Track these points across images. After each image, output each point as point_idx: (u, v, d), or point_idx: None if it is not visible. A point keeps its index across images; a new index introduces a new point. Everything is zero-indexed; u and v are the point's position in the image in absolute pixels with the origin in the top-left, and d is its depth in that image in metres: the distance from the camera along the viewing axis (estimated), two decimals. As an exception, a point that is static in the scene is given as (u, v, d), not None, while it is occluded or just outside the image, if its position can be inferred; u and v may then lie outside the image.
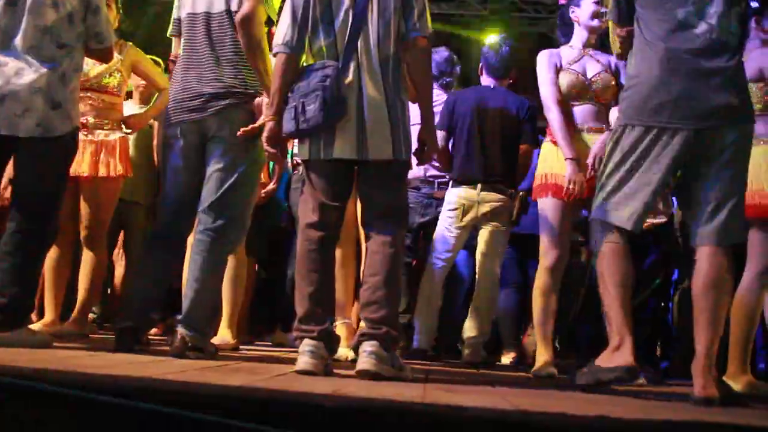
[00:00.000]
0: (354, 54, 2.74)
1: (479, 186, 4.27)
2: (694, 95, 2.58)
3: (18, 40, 3.00)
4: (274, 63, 2.85)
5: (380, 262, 2.70)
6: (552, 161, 3.67)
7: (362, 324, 2.72)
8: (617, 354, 2.58)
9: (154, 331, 4.72)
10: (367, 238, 2.83)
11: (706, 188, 2.62)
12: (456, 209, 4.31)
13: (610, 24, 2.89)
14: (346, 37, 2.74)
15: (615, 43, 2.89)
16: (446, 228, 4.35)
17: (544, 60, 3.74)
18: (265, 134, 2.85)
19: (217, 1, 3.18)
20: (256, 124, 3.03)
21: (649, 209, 2.72)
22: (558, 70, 3.69)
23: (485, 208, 4.27)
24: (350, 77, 2.72)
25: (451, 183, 4.45)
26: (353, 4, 2.76)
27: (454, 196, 4.35)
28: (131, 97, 4.78)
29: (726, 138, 2.59)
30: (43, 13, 3.02)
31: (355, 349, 2.69)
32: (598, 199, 2.74)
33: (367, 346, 2.61)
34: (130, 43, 4.23)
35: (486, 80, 4.56)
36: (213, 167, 3.13)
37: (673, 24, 2.64)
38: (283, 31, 2.81)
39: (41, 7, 3.01)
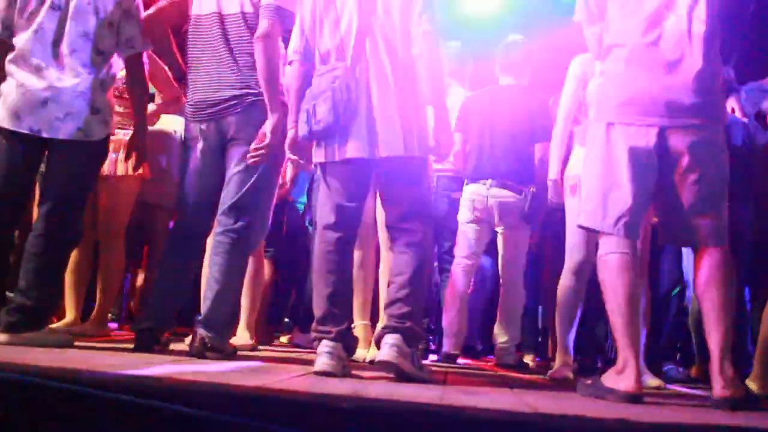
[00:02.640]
0: (362, 54, 2.74)
1: (489, 182, 4.29)
2: (661, 92, 2.51)
3: (61, 45, 3.05)
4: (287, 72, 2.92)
5: (406, 262, 2.71)
6: (575, 163, 3.65)
7: (385, 320, 2.72)
8: (621, 377, 2.48)
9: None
10: (392, 240, 2.82)
11: (686, 189, 2.54)
12: (468, 205, 4.33)
13: (584, 26, 2.84)
14: (353, 38, 2.76)
15: (590, 44, 2.83)
16: (463, 227, 4.35)
17: (575, 67, 3.69)
18: (287, 142, 2.91)
19: (228, 2, 3.20)
20: (262, 146, 3.03)
21: (639, 212, 2.56)
22: (586, 77, 3.62)
23: (495, 203, 4.27)
24: (359, 77, 2.73)
25: (465, 182, 4.46)
26: (357, 3, 2.77)
27: (467, 193, 4.38)
28: (153, 101, 4.81)
29: (697, 138, 2.51)
30: (86, 19, 3.08)
31: (377, 342, 2.70)
32: (583, 205, 2.66)
33: (390, 339, 2.62)
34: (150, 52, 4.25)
35: (504, 79, 4.56)
36: (233, 169, 3.15)
37: (641, 17, 2.57)
38: (294, 39, 2.90)
39: (84, 14, 3.08)
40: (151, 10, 3.36)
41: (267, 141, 3.02)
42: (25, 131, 3.00)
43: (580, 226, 2.69)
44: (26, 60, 3.03)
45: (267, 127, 3.04)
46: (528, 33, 4.73)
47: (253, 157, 3.05)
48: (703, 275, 2.56)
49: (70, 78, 3.04)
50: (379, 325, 3.60)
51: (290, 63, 2.93)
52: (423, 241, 2.75)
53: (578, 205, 2.72)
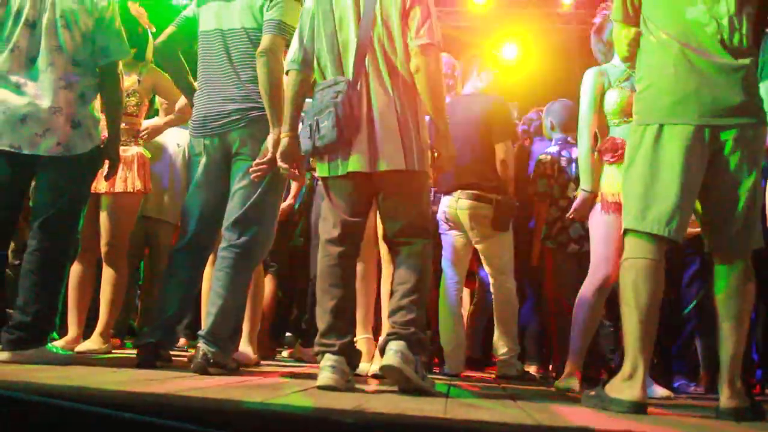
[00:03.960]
0: (362, 68, 2.75)
1: (456, 194, 4.29)
2: (707, 93, 2.52)
3: (38, 61, 3.07)
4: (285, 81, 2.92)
5: (407, 271, 2.72)
6: (603, 178, 3.59)
7: (389, 328, 2.71)
8: (627, 385, 2.45)
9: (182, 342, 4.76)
10: (392, 253, 2.84)
11: (721, 192, 2.55)
12: (442, 217, 4.34)
13: (616, 25, 2.84)
14: (354, 51, 2.77)
15: (621, 45, 2.82)
16: (445, 242, 4.35)
17: (588, 79, 3.65)
18: (279, 151, 2.90)
19: (228, 18, 3.23)
20: (264, 161, 3.05)
21: (687, 213, 2.53)
22: (605, 89, 3.61)
23: (464, 215, 4.27)
24: (360, 91, 2.74)
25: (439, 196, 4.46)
26: (358, 17, 2.78)
27: (441, 206, 4.38)
28: (157, 115, 4.82)
29: (739, 138, 2.52)
30: (59, 32, 3.09)
31: (381, 349, 2.69)
32: (626, 208, 2.63)
33: (394, 345, 2.62)
34: (152, 64, 4.27)
35: (466, 88, 4.59)
36: (238, 184, 3.15)
37: (683, 24, 2.59)
38: (292, 49, 2.90)
39: (57, 27, 3.09)
40: (161, 36, 3.40)
41: (269, 156, 3.03)
42: (6, 148, 3.01)
43: (627, 229, 2.61)
44: (6, 79, 3.05)
45: (269, 142, 3.05)
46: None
47: (255, 172, 3.06)
48: (723, 284, 2.56)
49: (48, 93, 3.05)
50: (382, 337, 3.61)
51: (287, 73, 2.94)
52: (423, 252, 2.76)
53: (624, 210, 2.65)
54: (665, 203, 2.51)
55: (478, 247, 4.36)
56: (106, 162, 3.32)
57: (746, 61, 2.56)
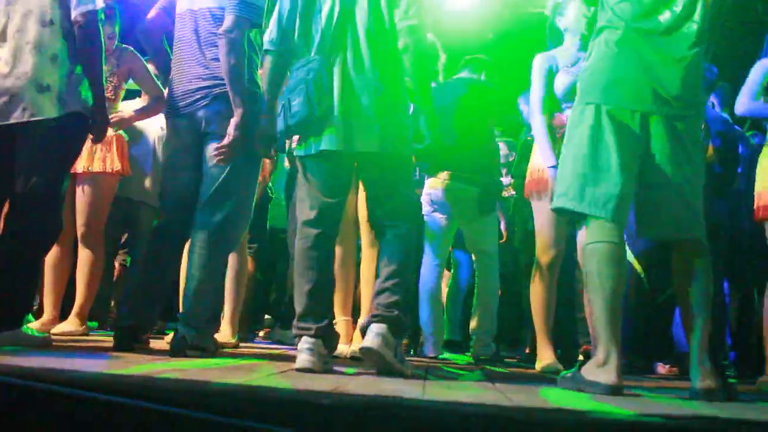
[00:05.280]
0: (341, 47, 2.73)
1: (444, 175, 4.31)
2: (643, 79, 2.53)
3: (8, 29, 2.97)
4: (263, 63, 2.89)
5: (393, 253, 2.72)
6: (540, 160, 3.68)
7: (373, 309, 2.71)
8: (602, 370, 2.45)
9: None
10: (378, 235, 2.83)
11: (662, 179, 2.55)
12: (426, 199, 4.36)
13: (579, 4, 2.85)
14: (332, 31, 2.74)
15: (582, 24, 2.85)
16: (428, 224, 4.37)
17: (538, 64, 3.74)
18: (258, 132, 2.90)
19: None
20: (225, 143, 3.03)
21: (626, 195, 2.51)
22: (553, 73, 3.68)
23: (451, 197, 4.30)
24: (337, 70, 2.70)
25: (425, 177, 4.50)
26: None
27: (426, 187, 4.40)
28: (140, 96, 4.77)
29: (677, 128, 2.53)
30: None
31: (363, 329, 2.69)
32: (560, 186, 2.60)
33: (376, 328, 2.62)
34: (131, 48, 4.21)
35: (461, 73, 4.63)
36: (208, 164, 3.13)
37: (637, 8, 2.59)
38: (270, 30, 2.86)
39: None
40: (145, 22, 3.35)
41: (230, 138, 3.01)
42: None
43: (559, 209, 2.61)
44: None
45: (231, 124, 3.03)
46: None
47: (218, 155, 3.04)
48: (680, 269, 2.59)
49: (15, 61, 2.93)
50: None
51: (265, 54, 2.90)
52: (408, 234, 2.75)
53: (557, 188, 2.65)
54: (603, 184, 2.50)
55: (464, 229, 4.38)
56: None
57: (693, 51, 2.55)
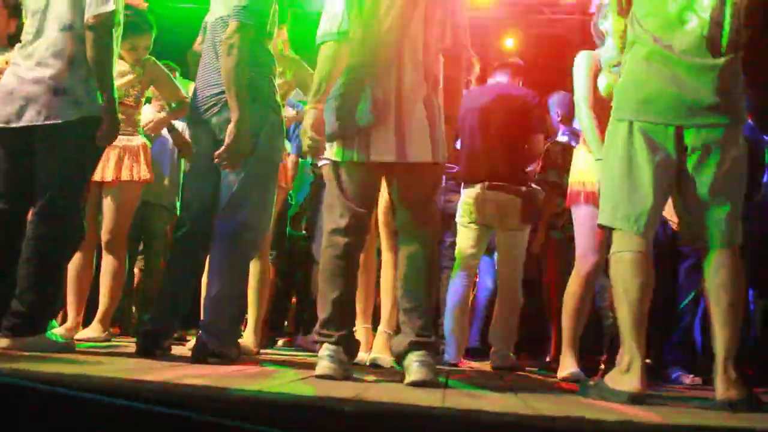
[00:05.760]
0: (398, 55, 2.68)
1: (484, 185, 4.27)
2: (673, 92, 2.51)
3: (32, 35, 3.03)
4: (322, 52, 2.72)
5: (418, 268, 2.69)
6: (586, 168, 3.63)
7: (404, 330, 2.68)
8: (626, 377, 2.45)
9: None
10: (404, 243, 2.76)
11: (701, 188, 2.53)
12: (463, 210, 4.32)
13: (612, 17, 2.82)
14: (392, 37, 2.69)
15: (615, 37, 2.82)
16: (462, 232, 4.34)
17: (582, 61, 3.68)
18: (309, 122, 2.67)
19: (217, 9, 3.25)
20: (222, 150, 3.02)
21: (657, 211, 2.54)
22: (597, 71, 3.63)
23: (491, 208, 4.26)
24: (393, 78, 2.67)
25: (462, 185, 4.45)
26: (398, 4, 2.69)
27: (463, 196, 4.37)
28: (149, 103, 4.82)
29: (714, 138, 2.50)
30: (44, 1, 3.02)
31: (402, 355, 2.64)
32: (601, 203, 2.65)
33: (419, 356, 2.58)
34: (153, 58, 4.25)
35: (498, 77, 4.58)
36: (223, 171, 3.14)
37: (663, 18, 2.56)
38: (334, 18, 2.69)
39: None
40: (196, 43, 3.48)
41: (227, 145, 3.00)
42: (1, 125, 2.98)
43: (600, 225, 2.65)
44: (15, 62, 3.07)
45: (228, 130, 3.02)
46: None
47: (218, 162, 3.04)
48: (713, 276, 2.55)
49: (35, 67, 2.98)
50: (383, 326, 3.60)
51: (323, 44, 2.72)
52: (433, 241, 2.73)
53: (600, 206, 2.67)
54: (634, 201, 2.53)
55: (499, 237, 4.34)
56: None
57: (723, 60, 2.51)
